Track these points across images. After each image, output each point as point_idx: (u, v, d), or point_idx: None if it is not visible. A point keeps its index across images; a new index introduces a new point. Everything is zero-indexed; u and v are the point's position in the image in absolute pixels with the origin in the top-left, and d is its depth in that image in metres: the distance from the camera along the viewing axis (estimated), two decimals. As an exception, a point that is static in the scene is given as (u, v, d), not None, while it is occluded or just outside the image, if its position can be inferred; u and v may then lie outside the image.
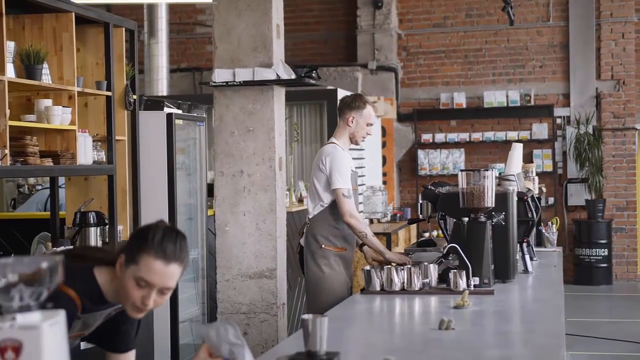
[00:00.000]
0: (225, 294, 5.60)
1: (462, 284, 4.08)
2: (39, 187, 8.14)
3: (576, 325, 9.00)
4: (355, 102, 5.18)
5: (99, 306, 2.67)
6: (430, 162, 12.65)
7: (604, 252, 11.96)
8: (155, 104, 6.52)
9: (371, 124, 5.21)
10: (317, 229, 5.14)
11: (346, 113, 5.17)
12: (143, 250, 2.55)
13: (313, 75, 5.73)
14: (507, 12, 9.73)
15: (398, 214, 10.48)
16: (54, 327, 1.72)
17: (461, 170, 4.36)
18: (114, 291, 2.64)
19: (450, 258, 4.35)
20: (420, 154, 12.65)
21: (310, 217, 5.20)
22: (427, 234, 10.26)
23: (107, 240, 5.52)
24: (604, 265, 11.99)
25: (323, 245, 5.09)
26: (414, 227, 10.66)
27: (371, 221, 9.92)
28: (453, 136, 12.58)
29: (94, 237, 5.32)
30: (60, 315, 1.75)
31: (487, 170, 4.32)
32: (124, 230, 5.76)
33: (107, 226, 5.50)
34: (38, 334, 1.68)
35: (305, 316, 2.65)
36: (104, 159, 5.51)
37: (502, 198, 4.43)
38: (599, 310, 10.66)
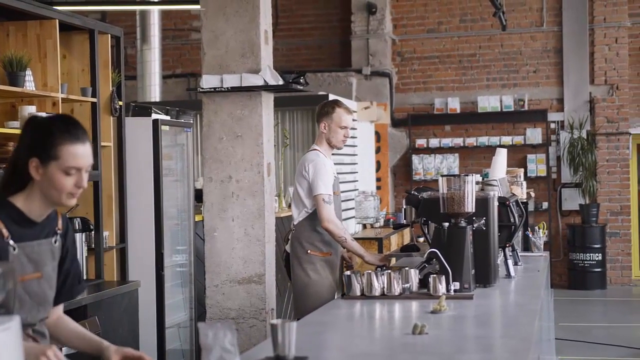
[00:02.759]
0: (213, 299, 5.60)
1: (442, 288, 4.08)
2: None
3: (569, 330, 9.00)
4: (324, 108, 5.31)
5: (29, 230, 2.68)
6: (425, 167, 12.66)
7: (598, 256, 11.96)
8: (143, 110, 6.54)
9: (345, 127, 5.27)
10: (302, 235, 5.21)
11: (319, 120, 5.31)
12: (57, 143, 2.61)
13: (300, 81, 5.74)
14: (499, 18, 9.75)
15: (391, 219, 10.49)
16: (6, 333, 1.73)
17: (442, 176, 4.38)
18: (37, 205, 2.67)
19: (432, 263, 4.36)
20: (415, 159, 12.66)
21: (295, 223, 5.28)
22: (421, 239, 10.26)
23: (92, 246, 5.54)
24: (598, 269, 11.99)
25: (309, 251, 5.17)
26: (407, 232, 10.66)
27: (364, 226, 9.94)
28: (447, 141, 12.60)
29: (80, 243, 5.33)
30: (14, 321, 1.77)
31: (468, 175, 4.33)
32: (109, 237, 5.78)
33: (92, 232, 5.51)
34: (-11, 339, 1.70)
35: (274, 321, 2.67)
36: (90, 165, 5.52)
37: (482, 203, 4.43)
38: (592, 314, 10.66)
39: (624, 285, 12.29)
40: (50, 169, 2.62)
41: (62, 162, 2.61)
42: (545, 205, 12.29)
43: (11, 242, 2.61)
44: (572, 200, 12.32)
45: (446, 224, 4.29)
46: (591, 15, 12.36)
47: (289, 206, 8.34)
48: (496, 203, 4.60)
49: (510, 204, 4.91)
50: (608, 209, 12.31)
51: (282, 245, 6.62)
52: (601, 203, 12.24)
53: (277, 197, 7.93)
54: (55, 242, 2.76)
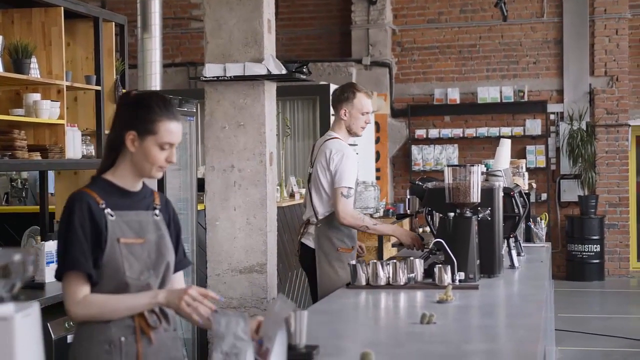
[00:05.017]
0: (215, 288, 5.61)
1: (447, 278, 4.09)
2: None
3: (567, 321, 9.03)
4: (344, 93, 5.09)
5: (124, 200, 2.81)
6: (424, 157, 12.67)
7: (596, 248, 11.99)
8: (146, 98, 6.51)
9: (366, 112, 5.07)
10: (330, 231, 5.03)
11: (338, 107, 5.09)
12: (156, 119, 2.77)
13: (304, 70, 5.73)
14: (500, 8, 9.75)
15: (391, 209, 10.50)
16: (27, 319, 1.73)
17: (447, 166, 4.37)
18: (127, 177, 2.82)
19: (437, 253, 4.37)
20: (414, 149, 12.67)
21: (319, 217, 5.06)
22: (421, 230, 10.27)
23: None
24: (596, 261, 12.03)
25: (339, 249, 5.01)
26: (406, 222, 10.68)
27: (364, 216, 9.93)
28: (447, 132, 12.61)
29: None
30: (35, 307, 1.77)
31: (473, 165, 4.33)
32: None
33: (96, 220, 5.50)
34: (10, 325, 1.70)
35: (285, 310, 2.66)
36: (94, 153, 5.52)
37: (488, 193, 4.43)
38: (590, 306, 10.69)
39: (621, 276, 12.33)
40: (147, 143, 2.77)
41: (158, 137, 2.76)
42: (544, 196, 12.31)
43: (107, 209, 2.75)
44: (571, 191, 12.34)
45: (451, 214, 4.30)
46: (592, 7, 12.36)
47: (291, 196, 8.34)
48: (501, 193, 4.60)
49: (515, 194, 4.91)
50: (607, 201, 12.34)
51: (282, 235, 6.63)
52: (600, 195, 12.26)
53: (278, 187, 7.93)
54: (156, 215, 2.88)
